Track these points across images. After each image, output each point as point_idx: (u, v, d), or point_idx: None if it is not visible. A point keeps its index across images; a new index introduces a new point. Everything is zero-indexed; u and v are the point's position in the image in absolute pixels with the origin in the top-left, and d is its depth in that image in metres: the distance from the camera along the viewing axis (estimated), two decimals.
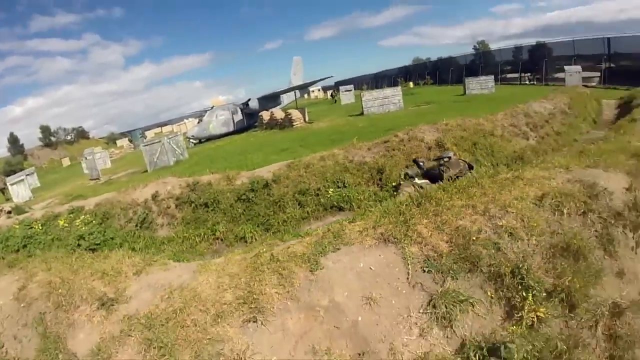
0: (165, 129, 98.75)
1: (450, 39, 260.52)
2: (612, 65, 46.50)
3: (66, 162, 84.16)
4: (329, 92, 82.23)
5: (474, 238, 6.40)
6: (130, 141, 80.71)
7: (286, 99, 56.06)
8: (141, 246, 14.81)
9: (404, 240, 6.60)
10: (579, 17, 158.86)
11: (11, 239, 16.11)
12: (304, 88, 62.75)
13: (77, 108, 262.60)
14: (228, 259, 7.71)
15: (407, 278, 6.12)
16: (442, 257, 6.24)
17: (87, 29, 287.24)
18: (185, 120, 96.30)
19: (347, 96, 56.14)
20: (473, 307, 5.77)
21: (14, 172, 47.83)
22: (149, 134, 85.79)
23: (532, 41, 64.45)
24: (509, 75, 62.02)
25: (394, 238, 6.69)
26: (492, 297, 5.91)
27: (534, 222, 6.63)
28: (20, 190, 32.90)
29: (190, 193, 17.03)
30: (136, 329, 6.41)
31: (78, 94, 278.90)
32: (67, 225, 16.86)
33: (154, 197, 17.37)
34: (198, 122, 53.50)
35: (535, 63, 56.57)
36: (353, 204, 15.29)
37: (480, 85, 41.70)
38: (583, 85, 40.30)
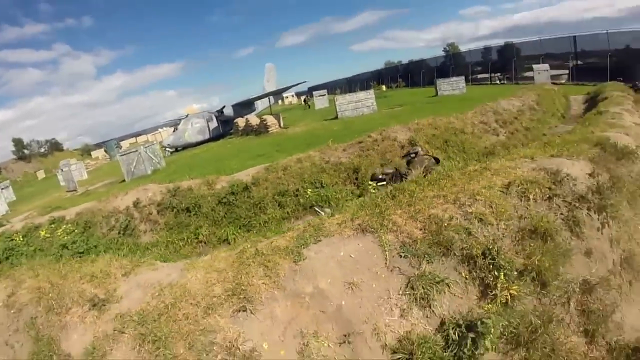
0: (140, 138, 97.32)
1: (421, 42, 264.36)
2: (579, 62, 47.72)
3: (41, 174, 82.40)
4: (303, 98, 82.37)
5: (446, 224, 6.82)
6: (106, 152, 79.83)
7: (260, 105, 56.08)
8: (125, 252, 14.64)
9: (381, 229, 6.96)
10: (546, 18, 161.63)
11: None
12: (277, 94, 62.86)
13: (50, 120, 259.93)
14: (214, 257, 7.88)
15: (386, 263, 6.49)
16: (417, 243, 6.63)
17: (57, 39, 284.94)
18: (160, 130, 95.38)
19: (320, 101, 56.37)
20: (449, 287, 6.17)
21: None
22: (124, 144, 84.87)
23: (500, 42, 65.60)
24: (479, 76, 62.86)
25: (371, 228, 7.05)
26: (466, 278, 6.33)
27: (502, 208, 7.10)
28: None
29: (171, 199, 17.12)
30: (129, 326, 6.47)
31: (50, 106, 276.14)
32: (48, 235, 16.81)
33: (136, 204, 17.41)
34: (173, 131, 53.27)
35: (505, 63, 57.44)
36: (332, 202, 15.54)
37: (452, 86, 42.22)
38: (552, 83, 41.30)
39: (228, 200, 16.61)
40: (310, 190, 16.45)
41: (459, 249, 6.53)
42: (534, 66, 45.73)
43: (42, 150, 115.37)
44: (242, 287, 6.44)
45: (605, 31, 42.68)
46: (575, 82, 44.68)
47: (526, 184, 7.62)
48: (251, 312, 6.17)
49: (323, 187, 16.63)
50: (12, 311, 7.67)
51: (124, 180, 29.45)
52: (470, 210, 7.08)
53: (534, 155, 9.19)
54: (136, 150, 30.23)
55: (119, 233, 16.76)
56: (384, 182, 15.08)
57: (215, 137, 48.29)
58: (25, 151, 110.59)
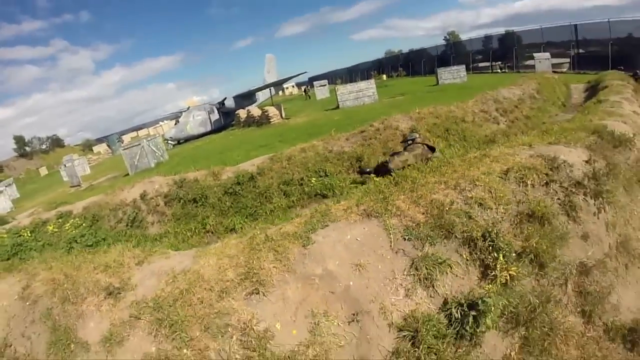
0: (141, 132, 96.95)
1: (421, 31, 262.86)
2: (581, 51, 47.71)
3: (44, 171, 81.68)
4: (303, 88, 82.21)
5: (448, 209, 7.12)
6: (109, 146, 79.90)
7: (261, 96, 56.01)
8: (134, 244, 14.30)
9: (385, 214, 7.25)
10: (547, 5, 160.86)
11: (0, 247, 15.87)
12: (278, 85, 62.86)
13: (50, 116, 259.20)
14: (225, 244, 8.09)
15: (390, 246, 6.78)
16: (420, 226, 6.93)
17: (54, 35, 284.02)
18: (160, 123, 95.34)
19: (321, 91, 56.08)
20: (451, 268, 6.47)
21: None
22: (125, 139, 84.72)
23: (501, 30, 65.16)
24: (480, 64, 62.71)
25: (376, 213, 7.34)
26: (467, 259, 6.63)
27: (501, 193, 7.41)
28: (0, 202, 32.58)
29: (178, 190, 17.28)
30: (145, 312, 6.66)
31: (49, 102, 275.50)
32: (56, 230, 16.85)
33: (143, 196, 17.55)
34: (175, 124, 53.30)
35: (506, 51, 57.45)
36: (336, 191, 15.77)
37: (452, 75, 42.09)
38: (553, 71, 41.41)
39: (234, 190, 16.80)
40: (314, 179, 16.64)
41: (460, 232, 6.81)
42: (535, 55, 45.87)
43: (44, 146, 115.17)
44: (254, 271, 6.67)
45: (606, 19, 42.65)
46: (576, 70, 44.78)
47: (524, 170, 7.91)
48: (264, 295, 6.41)
49: (327, 175, 16.82)
50: (27, 303, 7.85)
51: (127, 174, 29.43)
52: (471, 195, 7.37)
53: (532, 142, 9.47)
54: (139, 144, 30.19)
55: (127, 225, 16.88)
56: (371, 175, 15.41)
57: (217, 129, 48.24)
58: (27, 148, 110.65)
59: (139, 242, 15.23)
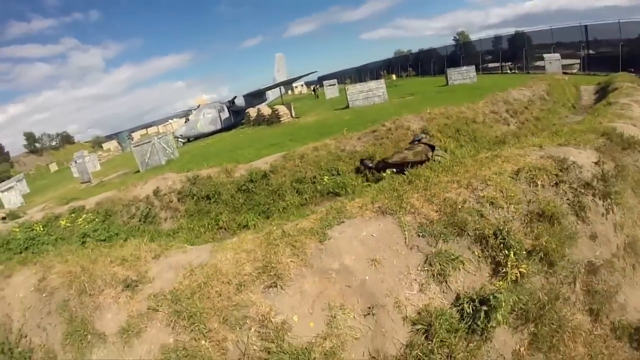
0: (151, 130, 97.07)
1: (431, 31, 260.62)
2: (591, 52, 47.41)
3: (54, 167, 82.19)
4: (312, 87, 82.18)
5: (460, 207, 7.29)
6: (119, 143, 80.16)
7: (271, 95, 56.37)
8: (148, 239, 14.55)
9: (399, 211, 7.42)
10: (557, 5, 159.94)
11: (12, 241, 15.82)
12: (288, 84, 63.04)
13: (60, 113, 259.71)
14: (241, 239, 8.22)
15: (405, 242, 6.95)
16: (434, 224, 7.10)
17: (64, 33, 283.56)
18: (170, 121, 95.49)
19: (331, 90, 56.19)
20: (463, 265, 6.63)
21: (1, 181, 46.84)
22: (135, 136, 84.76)
23: (511, 30, 64.92)
24: (490, 65, 62.47)
25: (391, 210, 7.51)
26: (479, 256, 6.79)
27: (512, 192, 7.57)
28: (11, 197, 32.66)
29: (191, 187, 17.44)
30: (163, 304, 6.76)
31: (60, 99, 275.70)
32: (69, 224, 16.96)
33: (156, 192, 17.72)
34: (185, 122, 53.51)
35: (516, 52, 57.20)
36: (348, 189, 15.91)
37: (462, 75, 41.97)
38: (563, 73, 41.08)
39: (247, 188, 16.96)
40: (327, 177, 16.77)
41: (472, 230, 6.98)
42: (545, 55, 45.58)
43: (54, 143, 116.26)
44: (272, 265, 6.81)
45: (617, 20, 42.38)
46: (586, 72, 44.47)
47: (534, 171, 8.06)
48: (281, 288, 6.56)
49: (339, 174, 16.94)
50: (43, 295, 7.97)
51: (137, 171, 29.57)
52: (482, 194, 7.54)
53: (542, 143, 9.63)
54: (150, 141, 30.26)
55: (140, 221, 17.02)
56: (372, 168, 16.26)
57: (227, 127, 48.38)
58: (37, 145, 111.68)
59: (152, 237, 14.98)
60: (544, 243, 6.89)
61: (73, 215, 17.69)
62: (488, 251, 6.82)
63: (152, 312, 6.81)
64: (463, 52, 69.81)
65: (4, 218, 21.14)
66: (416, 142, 15.55)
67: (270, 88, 53.97)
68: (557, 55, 45.00)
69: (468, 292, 6.39)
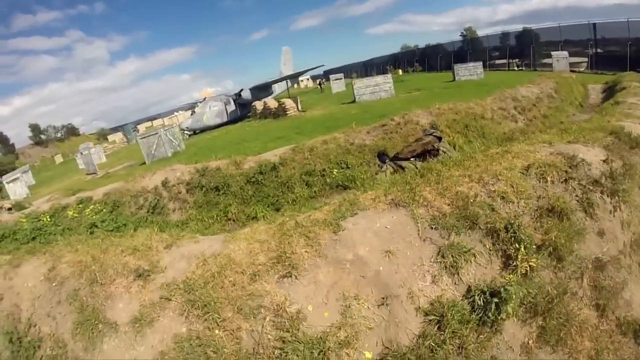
0: (156, 122, 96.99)
1: (438, 26, 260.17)
2: (599, 50, 47.14)
3: (59, 159, 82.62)
4: (318, 81, 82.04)
5: (472, 201, 7.41)
6: (125, 135, 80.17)
7: (278, 88, 56.23)
8: (156, 230, 14.70)
9: (412, 204, 7.52)
10: (565, 2, 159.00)
11: (19, 232, 16.04)
12: (295, 77, 62.97)
13: (65, 105, 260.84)
14: (254, 229, 8.26)
15: (418, 234, 7.04)
16: (446, 217, 7.21)
17: (69, 25, 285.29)
18: (175, 113, 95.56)
19: (337, 84, 55.92)
20: (475, 257, 6.74)
21: (6, 172, 46.33)
22: (140, 128, 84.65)
23: (519, 27, 64.49)
24: (497, 62, 61.96)
25: (404, 202, 7.60)
26: (490, 249, 6.90)
27: (522, 187, 7.70)
28: (17, 188, 32.83)
29: (200, 178, 17.56)
30: (176, 294, 6.76)
31: (65, 91, 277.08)
32: (76, 215, 17.05)
33: (164, 183, 17.83)
34: (191, 114, 53.60)
35: (523, 49, 56.88)
36: (357, 182, 16.00)
37: (469, 71, 41.83)
38: (571, 71, 40.92)
39: (256, 180, 17.10)
40: (336, 170, 16.95)
41: (484, 223, 7.09)
42: (553, 53, 45.50)
43: (59, 135, 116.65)
44: (286, 255, 6.88)
45: (626, 19, 42.17)
46: (594, 70, 44.28)
47: (544, 167, 8.19)
48: (296, 278, 6.61)
49: (348, 167, 17.11)
50: (53, 284, 7.90)
51: (143, 163, 29.66)
52: (493, 189, 7.66)
53: (551, 140, 9.73)
54: (156, 133, 30.44)
55: (148, 212, 17.12)
56: (387, 160, 16.42)
57: (233, 120, 48.39)
58: (42, 136, 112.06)
59: (161, 228, 15.01)
60: (553, 238, 6.99)
61: (80, 205, 17.74)
62: (499, 244, 6.92)
63: (165, 301, 6.79)
64: (470, 48, 69.45)
65: (10, 209, 21.21)
66: (426, 136, 15.79)
67: (277, 81, 53.90)
68: (565, 53, 44.87)
69: (479, 284, 6.49)
